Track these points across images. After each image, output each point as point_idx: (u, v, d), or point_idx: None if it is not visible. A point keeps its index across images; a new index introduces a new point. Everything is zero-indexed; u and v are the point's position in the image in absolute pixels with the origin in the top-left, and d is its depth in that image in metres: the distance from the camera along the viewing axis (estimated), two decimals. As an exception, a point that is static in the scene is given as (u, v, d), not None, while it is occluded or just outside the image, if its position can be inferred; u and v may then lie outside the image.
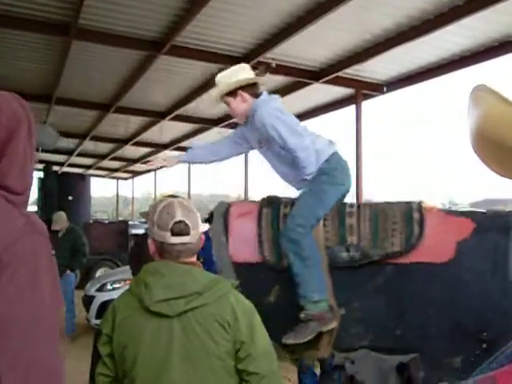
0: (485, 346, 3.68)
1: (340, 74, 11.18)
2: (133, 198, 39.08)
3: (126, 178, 35.48)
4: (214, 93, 4.38)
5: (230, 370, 2.43)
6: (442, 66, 10.68)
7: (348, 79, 11.74)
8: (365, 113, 12.19)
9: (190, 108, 14.41)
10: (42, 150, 16.75)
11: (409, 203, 4.04)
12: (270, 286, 4.10)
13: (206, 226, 2.65)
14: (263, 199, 4.31)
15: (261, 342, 2.49)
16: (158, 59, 10.55)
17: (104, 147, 23.03)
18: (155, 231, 2.56)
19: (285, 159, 4.21)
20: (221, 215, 4.23)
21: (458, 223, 3.94)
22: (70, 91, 13.70)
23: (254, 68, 4.45)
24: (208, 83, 12.01)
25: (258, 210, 4.20)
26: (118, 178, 35.63)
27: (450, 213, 4.09)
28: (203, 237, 2.65)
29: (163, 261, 2.56)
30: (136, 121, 17.23)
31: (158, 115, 15.71)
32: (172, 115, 15.21)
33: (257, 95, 4.30)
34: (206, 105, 4.16)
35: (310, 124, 16.23)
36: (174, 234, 2.51)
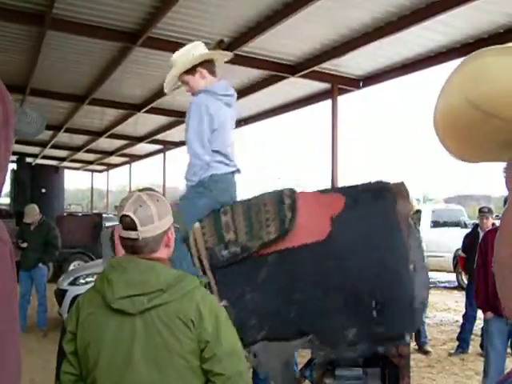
0: (375, 313, 3.78)
1: (316, 68, 11.18)
2: (107, 190, 38.85)
3: (100, 171, 35.29)
4: (172, 72, 4.32)
5: (195, 370, 2.37)
6: (418, 61, 10.72)
7: (324, 74, 11.75)
8: (341, 106, 12.23)
9: (166, 101, 14.33)
10: (18, 141, 16.56)
11: (280, 191, 4.08)
12: None
13: (168, 223, 2.53)
14: None
15: (227, 341, 2.41)
16: (134, 51, 10.47)
17: (79, 139, 22.86)
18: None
19: None
20: (108, 239, 4.21)
21: (330, 200, 4.03)
22: (44, 82, 13.56)
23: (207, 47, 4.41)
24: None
25: None
26: (92, 171, 35.42)
27: (321, 192, 4.17)
28: (171, 234, 2.57)
29: (127, 256, 2.49)
30: (111, 113, 17.10)
31: (134, 107, 15.60)
32: (147, 108, 15.11)
33: (214, 73, 4.32)
34: (166, 87, 4.09)
35: (287, 117, 16.21)
36: (123, 227, 2.46)
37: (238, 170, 4.41)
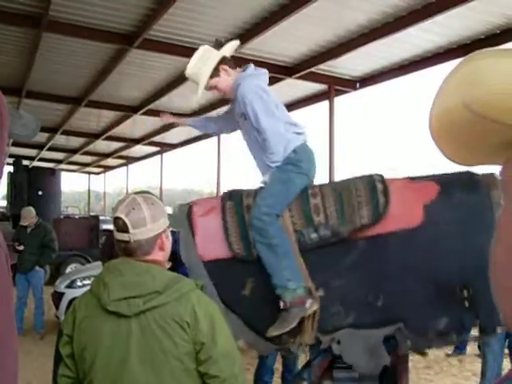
0: (467, 303, 3.72)
1: (313, 69, 11.18)
2: (104, 192, 38.86)
3: (97, 173, 35.24)
4: (201, 83, 4.22)
5: (190, 372, 2.36)
6: (414, 62, 10.72)
7: (321, 75, 11.74)
8: (339, 107, 12.24)
9: (163, 102, 14.32)
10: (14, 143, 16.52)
11: (370, 176, 4.04)
12: (244, 279, 4.04)
13: (162, 226, 2.52)
14: (224, 194, 4.27)
15: (223, 343, 2.40)
16: (130, 53, 10.45)
17: (75, 141, 22.83)
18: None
19: (255, 140, 4.17)
20: (185, 216, 4.17)
21: (423, 187, 3.98)
22: (40, 84, 13.54)
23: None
24: (180, 78, 11.94)
25: (221, 205, 4.14)
26: (89, 173, 35.38)
27: (412, 179, 4.11)
28: (166, 237, 2.56)
29: (123, 259, 2.48)
30: (108, 115, 17.08)
31: (131, 109, 15.59)
32: (144, 109, 15.09)
33: (234, 67, 4.30)
34: (198, 100, 4.13)
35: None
36: (116, 230, 2.45)
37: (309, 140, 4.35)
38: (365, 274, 3.90)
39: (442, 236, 3.82)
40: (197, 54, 4.25)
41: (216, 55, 4.22)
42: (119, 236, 2.45)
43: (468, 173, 4.00)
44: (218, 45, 4.36)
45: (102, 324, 2.37)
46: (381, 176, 4.02)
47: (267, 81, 4.33)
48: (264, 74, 4.34)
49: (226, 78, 4.24)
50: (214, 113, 12.97)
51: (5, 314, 1.49)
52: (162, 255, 2.55)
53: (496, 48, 0.89)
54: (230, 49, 4.42)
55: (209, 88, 4.31)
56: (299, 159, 4.05)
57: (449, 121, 1.01)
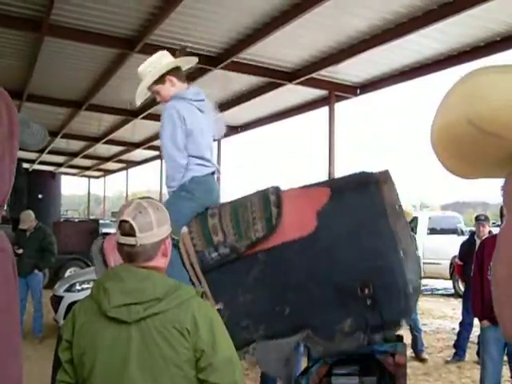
0: (369, 302, 3.76)
1: (314, 75, 11.20)
2: (104, 196, 38.86)
3: (97, 177, 35.24)
4: (143, 84, 4.35)
5: (190, 380, 2.35)
6: (415, 69, 10.75)
7: (321, 81, 11.76)
8: (339, 113, 12.25)
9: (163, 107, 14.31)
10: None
11: (265, 189, 4.08)
12: None
13: (166, 231, 2.53)
14: None
15: (223, 351, 2.40)
16: (131, 57, 10.47)
17: (76, 145, 22.84)
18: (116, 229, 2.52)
19: None
20: (97, 251, 4.19)
21: (315, 193, 4.02)
22: (41, 88, 13.55)
23: (173, 54, 4.43)
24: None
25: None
26: (89, 177, 35.37)
27: (307, 186, 4.15)
28: (168, 243, 2.57)
29: (123, 265, 2.48)
30: (108, 119, 17.10)
31: (131, 114, 15.59)
32: (145, 114, 15.10)
33: (183, 80, 4.37)
34: (137, 100, 4.14)
35: (284, 124, 16.22)
36: (121, 233, 2.45)
37: (218, 171, 4.44)
38: (268, 285, 3.92)
39: (336, 240, 3.87)
40: (153, 56, 4.36)
41: (168, 64, 4.30)
42: (124, 240, 2.44)
43: (359, 173, 4.09)
44: (181, 52, 4.44)
45: (102, 330, 2.37)
46: (275, 188, 4.06)
47: (203, 107, 4.37)
48: (200, 101, 4.38)
49: (169, 88, 4.32)
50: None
51: (12, 324, 1.49)
52: (163, 262, 2.56)
53: (496, 64, 0.90)
54: (186, 61, 4.52)
55: (152, 91, 4.41)
56: (193, 187, 4.14)
57: (451, 134, 1.02)
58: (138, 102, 4.58)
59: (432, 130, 1.01)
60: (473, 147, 0.99)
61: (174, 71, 4.32)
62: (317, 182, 4.19)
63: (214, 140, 4.66)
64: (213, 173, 4.35)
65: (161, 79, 4.29)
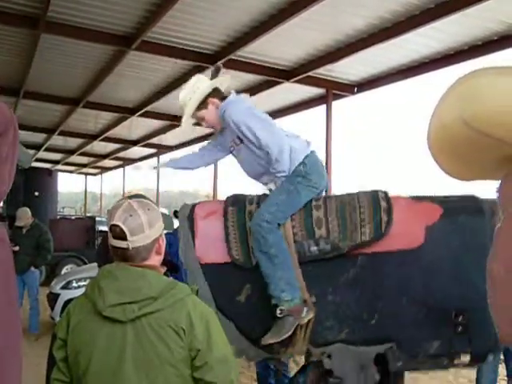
0: (460, 328, 3.74)
1: (311, 73, 11.19)
2: (101, 193, 38.79)
3: (94, 174, 35.20)
4: (187, 112, 4.25)
5: (186, 379, 2.35)
6: (412, 67, 10.74)
7: (319, 79, 11.75)
8: (336, 111, 12.25)
9: (160, 105, 14.32)
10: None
11: (375, 192, 4.04)
12: (241, 285, 4.03)
13: (159, 231, 2.51)
14: (228, 198, 4.25)
15: (218, 349, 2.39)
16: (129, 55, 10.45)
17: (73, 142, 22.82)
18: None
19: (258, 157, 4.15)
20: (185, 217, 4.16)
21: (426, 209, 3.97)
22: (38, 85, 13.52)
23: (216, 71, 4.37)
24: (178, 80, 11.94)
25: (224, 209, 4.13)
26: (86, 174, 35.33)
27: (416, 199, 4.09)
28: (162, 241, 2.55)
29: (118, 264, 2.46)
30: (105, 116, 17.07)
31: (128, 111, 15.57)
32: (142, 111, 15.10)
33: (223, 98, 4.26)
34: (185, 130, 4.11)
35: (281, 122, 16.23)
36: (113, 237, 2.43)
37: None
38: (361, 290, 3.90)
39: (441, 259, 3.83)
40: (189, 84, 4.26)
41: (206, 87, 4.22)
42: (116, 243, 2.42)
43: (473, 197, 4.02)
44: (216, 72, 4.36)
45: (96, 328, 2.36)
46: (385, 193, 4.02)
47: (250, 102, 4.32)
48: (246, 97, 4.34)
49: (214, 111, 4.23)
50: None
51: (11, 315, 1.50)
52: (157, 259, 2.55)
53: (493, 66, 0.90)
54: (222, 80, 4.41)
55: (197, 119, 4.33)
56: (309, 172, 4.05)
57: (447, 136, 1.02)
58: (187, 133, 4.51)
59: (428, 132, 1.01)
60: (469, 148, 0.99)
61: (215, 92, 4.25)
62: (427, 196, 4.13)
63: None
64: (314, 151, 4.25)
65: (203, 104, 4.22)
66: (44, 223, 11.92)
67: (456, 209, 3.95)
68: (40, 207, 16.54)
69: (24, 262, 10.14)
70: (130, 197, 2.58)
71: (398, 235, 3.87)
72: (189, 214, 4.17)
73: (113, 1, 8.45)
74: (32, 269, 10.39)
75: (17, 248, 10.12)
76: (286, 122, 14.81)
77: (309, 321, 3.85)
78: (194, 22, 9.12)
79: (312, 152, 4.16)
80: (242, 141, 4.16)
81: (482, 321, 3.68)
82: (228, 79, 4.48)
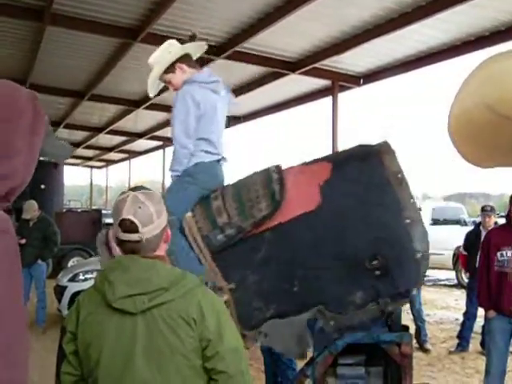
0: (378, 272, 3.75)
1: (317, 65, 11.17)
2: (107, 186, 38.86)
3: (100, 167, 35.25)
4: (153, 74, 4.34)
5: (197, 370, 2.35)
6: (418, 59, 10.71)
7: (325, 71, 11.74)
8: (343, 103, 12.24)
9: (165, 97, 14.29)
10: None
11: (266, 168, 4.05)
12: None
13: (166, 219, 2.51)
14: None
15: (229, 339, 2.39)
16: (134, 47, 10.44)
17: (78, 135, 22.85)
18: (114, 225, 2.48)
19: None
20: (103, 245, 4.17)
21: (316, 169, 3.99)
22: (43, 78, 13.53)
23: (182, 43, 4.40)
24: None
25: None
26: (92, 167, 35.39)
27: (307, 163, 4.10)
28: (167, 229, 2.55)
29: (127, 255, 2.45)
30: (111, 109, 17.07)
31: (133, 104, 15.58)
32: (147, 104, 15.08)
33: (194, 66, 4.34)
34: (149, 90, 4.12)
35: (287, 114, 16.19)
36: (123, 230, 2.41)
37: (224, 159, 4.38)
38: (277, 264, 3.91)
39: (341, 212, 3.86)
40: (162, 46, 4.32)
41: (176, 52, 4.27)
42: (126, 237, 2.40)
43: (359, 145, 4.06)
44: (191, 39, 4.42)
45: (107, 321, 2.35)
46: (276, 166, 4.03)
47: (217, 88, 4.33)
48: (213, 82, 4.33)
49: (180, 76, 4.28)
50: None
51: (16, 308, 1.48)
52: (164, 248, 2.54)
53: None
54: (195, 47, 4.47)
55: (164, 82, 4.40)
56: (197, 172, 4.12)
57: (468, 120, 1.01)
58: (151, 94, 4.55)
59: (449, 117, 1.00)
60: (490, 133, 0.98)
61: (184, 58, 4.29)
62: (317, 158, 4.16)
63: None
64: (218, 160, 4.32)
65: (171, 68, 4.27)
66: (50, 216, 11.94)
67: (344, 160, 4.01)
68: (46, 200, 16.56)
69: (31, 254, 10.16)
70: (133, 189, 2.57)
71: (294, 201, 3.88)
72: (105, 240, 4.17)
73: (118, -7, 8.44)
74: (39, 261, 10.41)
75: (23, 241, 10.14)
76: (292, 114, 14.78)
77: (233, 308, 3.88)
78: (199, 14, 9.10)
79: (210, 160, 4.23)
80: None
81: (396, 256, 3.76)
82: (203, 47, 4.54)
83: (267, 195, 3.90)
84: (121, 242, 2.45)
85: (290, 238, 3.90)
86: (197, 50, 4.51)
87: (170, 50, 4.28)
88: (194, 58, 4.46)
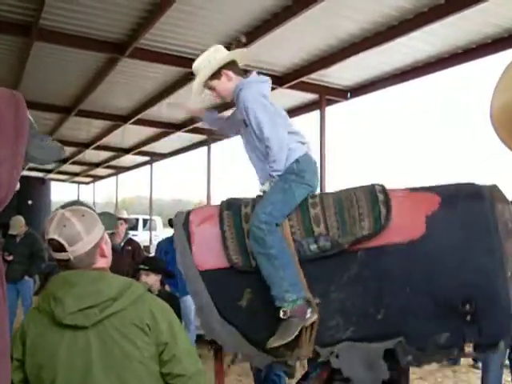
0: (469, 318, 3.63)
1: (304, 79, 11.17)
2: (94, 202, 38.64)
3: (87, 183, 35.10)
4: (198, 80, 4.19)
5: (156, 376, 2.35)
6: (406, 72, 10.75)
7: (312, 84, 11.75)
8: (332, 115, 12.24)
9: (153, 112, 14.27)
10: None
11: (371, 185, 3.96)
12: (241, 290, 3.96)
13: (98, 234, 2.48)
14: (222, 202, 4.17)
15: (183, 342, 2.41)
16: (121, 62, 10.41)
17: (65, 151, 22.70)
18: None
19: (257, 148, 4.09)
20: (181, 225, 4.10)
21: (424, 198, 3.89)
22: (30, 93, 13.43)
23: (227, 48, 4.31)
24: (171, 87, 11.90)
25: (219, 214, 4.06)
26: (79, 183, 35.23)
27: (413, 190, 4.01)
28: (103, 243, 2.51)
29: (72, 271, 2.42)
30: (98, 124, 17.01)
31: (121, 119, 15.52)
32: (134, 119, 15.05)
33: (240, 73, 4.22)
34: (194, 97, 4.06)
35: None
36: (52, 249, 2.41)
37: (309, 148, 4.24)
38: (364, 286, 3.81)
39: (444, 248, 3.74)
40: (206, 52, 4.21)
41: (222, 58, 4.15)
42: (57, 255, 2.41)
43: (470, 183, 3.93)
44: (237, 45, 4.31)
45: (57, 340, 2.31)
46: (382, 186, 3.93)
47: (269, 88, 4.26)
48: (266, 81, 4.26)
49: (226, 83, 4.16)
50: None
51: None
52: (104, 262, 2.53)
53: None
54: (241, 54, 4.36)
55: (208, 88, 4.25)
56: (302, 169, 3.98)
57: (508, 113, 0.99)
58: (195, 100, 4.42)
59: (490, 109, 0.98)
60: None
61: (230, 65, 4.18)
62: (424, 187, 4.07)
63: None
64: (310, 151, 4.19)
65: (216, 74, 4.15)
66: (37, 232, 11.85)
67: (455, 195, 3.87)
68: (33, 216, 16.45)
69: (18, 270, 10.08)
70: (64, 206, 2.56)
71: (398, 227, 3.79)
72: (184, 221, 4.11)
73: (105, 8, 8.41)
74: (26, 278, 10.35)
75: (11, 258, 10.05)
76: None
77: (313, 322, 3.79)
78: (186, 29, 9.09)
79: (306, 152, 4.09)
80: (247, 125, 4.08)
81: (490, 306, 3.62)
82: (248, 55, 4.41)
83: (372, 215, 3.80)
84: (56, 260, 2.46)
85: (384, 262, 3.79)
86: (243, 57, 4.40)
87: (215, 55, 4.16)
88: (241, 64, 4.36)
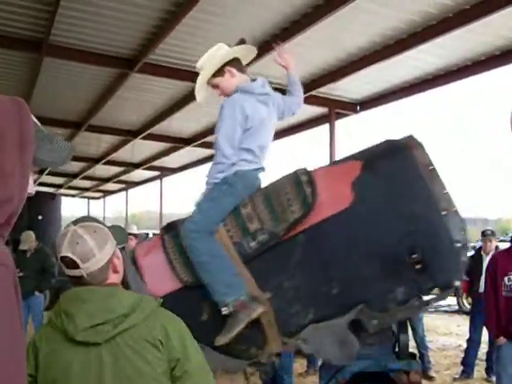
0: (419, 266, 3.70)
1: (314, 92, 11.15)
2: (104, 217, 38.72)
3: (97, 198, 35.19)
4: (201, 77, 4.24)
5: None
6: (415, 85, 10.73)
7: (321, 98, 11.72)
8: (341, 129, 12.22)
9: (162, 127, 14.30)
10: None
11: (293, 172, 4.00)
12: (199, 304, 4.01)
13: (111, 250, 2.46)
14: (162, 228, 4.30)
15: (195, 357, 2.38)
16: (131, 77, 10.45)
17: (75, 166, 22.81)
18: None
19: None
20: (130, 260, 4.15)
21: (346, 167, 3.97)
22: (41, 109, 13.51)
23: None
24: (180, 101, 11.93)
25: (161, 240, 4.15)
26: (89, 198, 35.32)
27: (334, 163, 4.17)
28: (115, 259, 2.49)
29: (83, 287, 2.41)
30: (108, 139, 17.07)
31: (130, 134, 15.57)
32: (144, 134, 15.08)
33: (243, 70, 4.26)
34: (200, 96, 4.06)
35: (284, 143, 16.19)
36: (66, 266, 2.40)
37: (263, 169, 4.28)
38: (312, 266, 3.85)
39: (375, 210, 3.80)
40: (211, 49, 4.24)
41: (225, 55, 4.18)
42: (70, 272, 2.39)
43: (386, 141, 4.03)
44: (239, 43, 4.33)
45: (70, 356, 2.29)
46: (304, 169, 3.99)
47: (267, 101, 4.29)
48: (265, 94, 4.28)
49: (229, 80, 4.20)
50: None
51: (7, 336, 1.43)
52: (116, 277, 2.51)
53: None
54: (245, 50, 4.37)
55: (212, 86, 4.30)
56: (236, 181, 4.01)
57: None
58: (199, 99, 4.41)
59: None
60: None
61: (234, 62, 4.21)
62: (344, 158, 4.12)
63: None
64: (257, 169, 4.22)
65: (220, 71, 4.18)
66: (47, 247, 11.87)
67: (374, 155, 3.96)
68: (44, 231, 16.44)
69: (28, 286, 10.06)
70: (75, 222, 2.53)
71: (327, 201, 3.84)
72: (131, 256, 4.18)
73: (115, 24, 8.46)
74: (36, 293, 10.32)
75: (21, 274, 10.03)
76: (288, 142, 14.75)
77: (273, 316, 3.82)
78: (195, 44, 9.11)
79: (249, 169, 4.12)
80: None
81: (435, 248, 3.70)
82: (254, 51, 4.44)
83: (298, 198, 3.83)
84: (68, 277, 2.44)
85: (323, 238, 3.84)
86: (247, 53, 4.42)
87: (218, 52, 4.19)
88: (245, 63, 4.39)
